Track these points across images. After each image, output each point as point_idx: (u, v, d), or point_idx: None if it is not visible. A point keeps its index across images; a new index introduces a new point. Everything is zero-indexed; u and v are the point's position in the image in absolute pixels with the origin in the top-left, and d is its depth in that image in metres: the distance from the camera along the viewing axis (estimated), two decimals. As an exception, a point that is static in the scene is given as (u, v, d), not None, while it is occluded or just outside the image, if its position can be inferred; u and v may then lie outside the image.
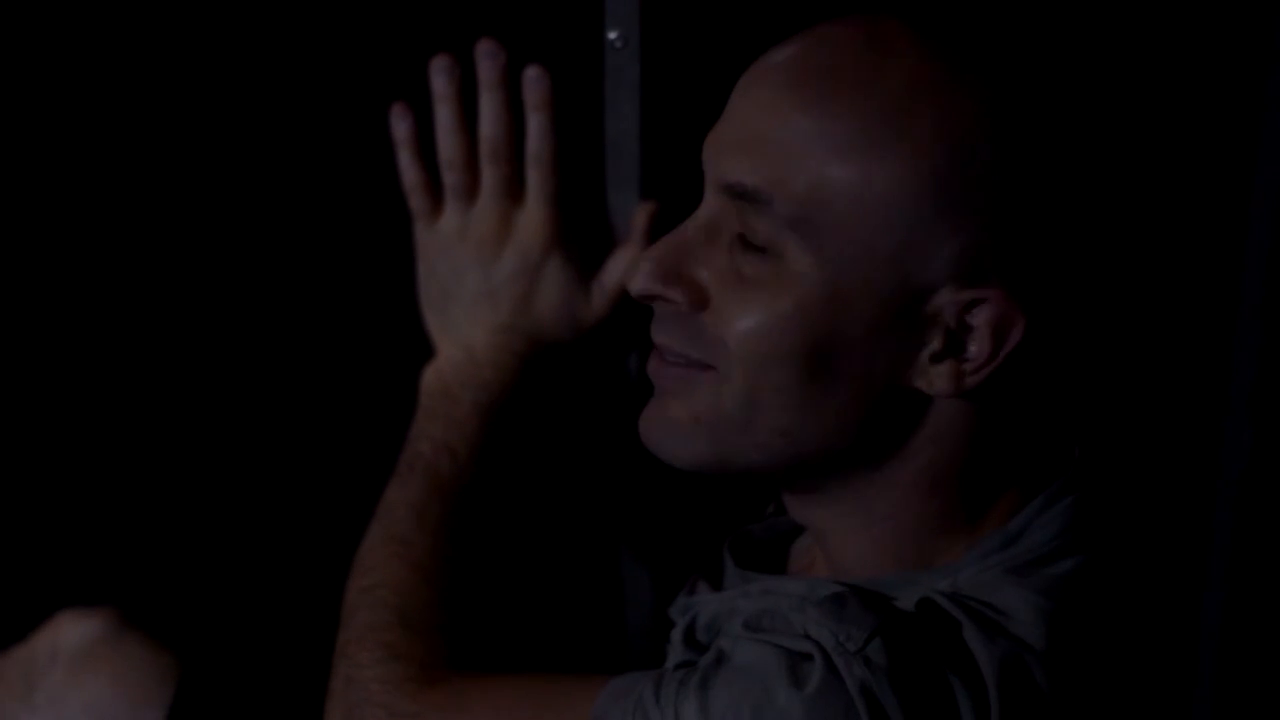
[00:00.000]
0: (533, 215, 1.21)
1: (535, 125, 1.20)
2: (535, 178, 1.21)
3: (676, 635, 1.05)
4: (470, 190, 1.22)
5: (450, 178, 1.22)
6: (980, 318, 0.88)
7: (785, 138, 0.88)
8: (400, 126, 1.23)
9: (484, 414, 1.19)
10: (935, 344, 0.89)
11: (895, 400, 0.90)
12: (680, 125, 1.23)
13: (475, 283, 1.22)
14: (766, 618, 0.90)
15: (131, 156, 1.55)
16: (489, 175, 1.21)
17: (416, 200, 1.24)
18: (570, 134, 1.22)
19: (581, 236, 1.23)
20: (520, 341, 1.21)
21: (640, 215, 1.22)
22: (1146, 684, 0.96)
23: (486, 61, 1.20)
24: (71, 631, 1.30)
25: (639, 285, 0.94)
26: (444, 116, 1.22)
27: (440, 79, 1.21)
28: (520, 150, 1.21)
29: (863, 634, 0.84)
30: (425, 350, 1.25)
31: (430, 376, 1.23)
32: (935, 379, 0.89)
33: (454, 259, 1.23)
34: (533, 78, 1.20)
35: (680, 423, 0.94)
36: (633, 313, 1.22)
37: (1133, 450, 1.29)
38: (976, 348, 0.89)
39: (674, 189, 1.23)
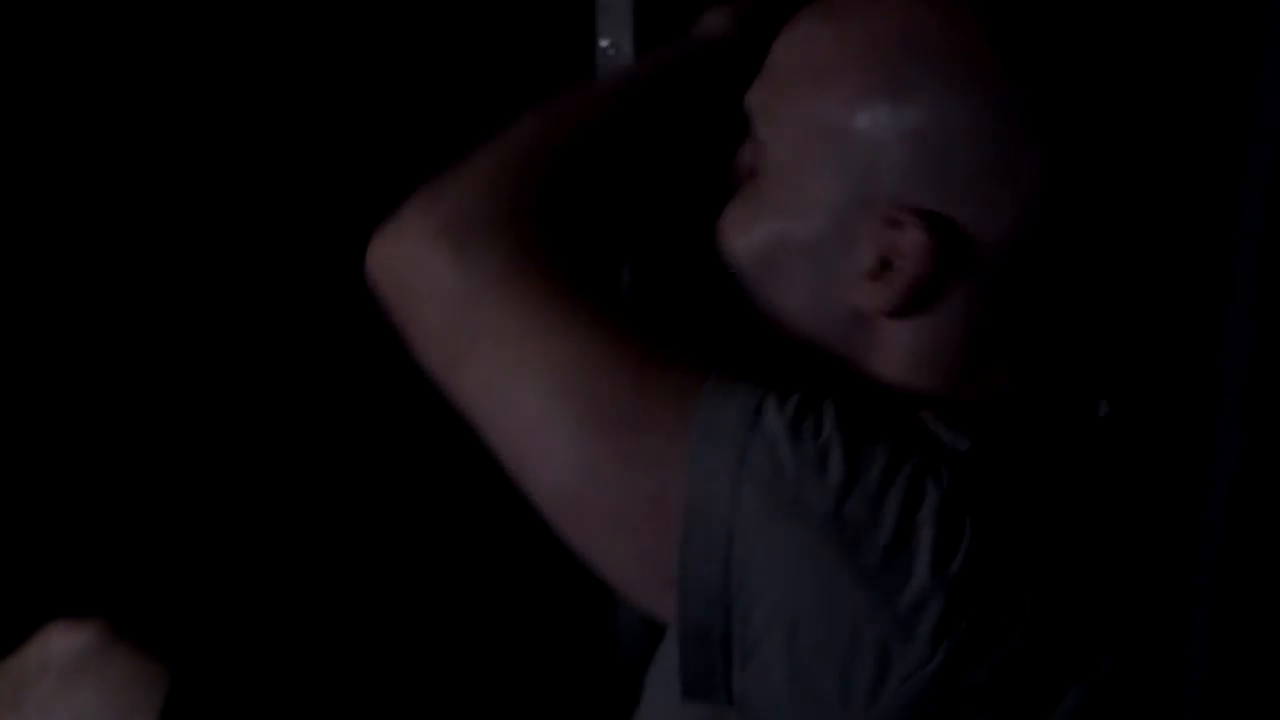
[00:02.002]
0: None
1: None
2: None
3: None
4: None
5: None
6: (905, 241, 0.92)
7: (773, 65, 1.00)
8: None
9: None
10: (869, 261, 0.94)
11: (843, 316, 0.96)
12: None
13: None
14: None
15: (143, 161, 1.56)
16: None
17: None
18: None
19: None
20: None
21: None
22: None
23: None
24: (61, 643, 1.29)
25: None
26: None
27: None
28: None
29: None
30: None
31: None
32: (867, 296, 0.94)
33: None
34: None
35: None
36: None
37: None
38: (899, 270, 0.93)
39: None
